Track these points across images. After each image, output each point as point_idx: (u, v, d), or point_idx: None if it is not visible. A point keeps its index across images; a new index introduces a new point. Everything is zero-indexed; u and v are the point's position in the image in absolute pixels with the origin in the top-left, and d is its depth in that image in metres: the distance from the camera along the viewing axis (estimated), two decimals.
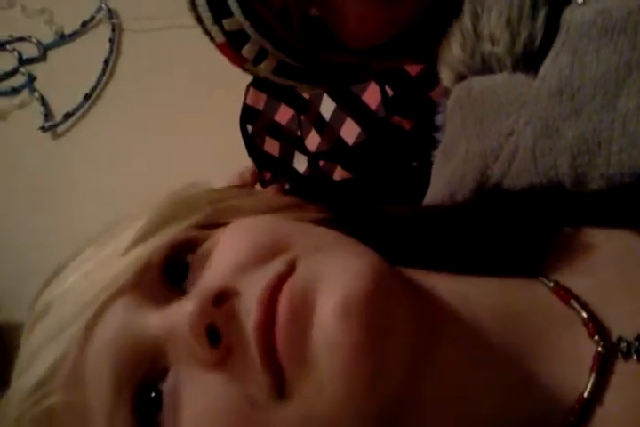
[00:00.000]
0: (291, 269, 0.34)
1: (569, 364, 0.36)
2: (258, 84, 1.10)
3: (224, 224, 0.40)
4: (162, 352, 0.35)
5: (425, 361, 0.35)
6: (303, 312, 0.32)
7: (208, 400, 0.33)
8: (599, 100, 0.38)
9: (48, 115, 1.55)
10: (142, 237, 0.38)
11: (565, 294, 0.38)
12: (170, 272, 0.37)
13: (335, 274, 0.33)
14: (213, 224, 0.40)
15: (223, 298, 0.34)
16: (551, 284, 0.39)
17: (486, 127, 0.44)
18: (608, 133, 0.37)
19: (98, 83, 1.51)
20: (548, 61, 0.42)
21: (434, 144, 0.55)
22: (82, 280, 0.38)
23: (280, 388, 0.32)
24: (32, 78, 1.57)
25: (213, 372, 0.33)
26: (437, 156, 0.51)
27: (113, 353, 0.35)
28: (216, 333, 0.33)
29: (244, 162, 1.11)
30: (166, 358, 0.35)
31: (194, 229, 0.39)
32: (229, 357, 0.33)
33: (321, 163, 1.03)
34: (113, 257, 0.38)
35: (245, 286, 0.34)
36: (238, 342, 0.33)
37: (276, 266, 0.34)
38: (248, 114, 1.11)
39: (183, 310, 0.33)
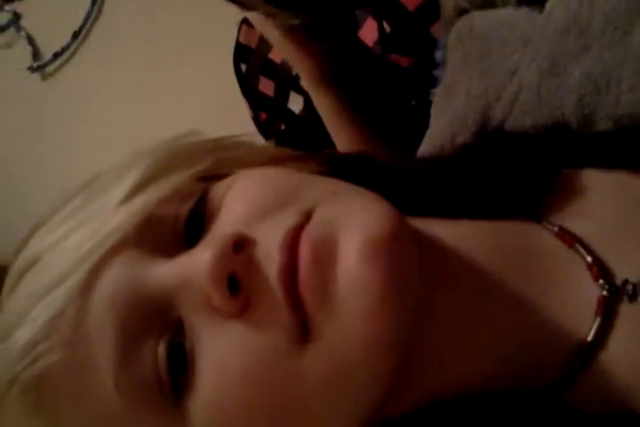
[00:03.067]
0: (309, 215, 0.33)
1: (573, 307, 0.36)
2: None
3: (225, 176, 0.38)
4: (171, 305, 0.33)
5: (428, 304, 0.35)
6: (326, 253, 0.31)
7: (230, 352, 0.32)
8: (609, 37, 0.36)
9: (36, 54, 1.51)
10: (141, 186, 0.36)
11: (570, 238, 0.37)
12: (185, 224, 0.36)
13: (357, 216, 0.33)
14: (214, 175, 0.38)
15: (241, 246, 0.32)
16: (555, 228, 0.38)
17: (489, 65, 0.42)
18: (618, 71, 0.36)
19: (86, 20, 1.46)
20: None
21: (433, 82, 0.53)
22: (76, 231, 0.36)
23: (304, 331, 0.31)
24: (17, 16, 1.52)
25: (233, 322, 0.32)
26: (437, 95, 0.49)
27: (118, 306, 0.33)
28: (235, 281, 0.32)
29: (239, 102, 1.08)
30: (176, 312, 0.33)
31: (195, 180, 0.37)
32: (249, 306, 0.32)
33: None
34: (110, 207, 0.36)
35: (262, 233, 0.33)
36: (259, 289, 0.32)
37: (294, 213, 0.33)
38: (241, 52, 1.08)
39: (201, 258, 0.32)
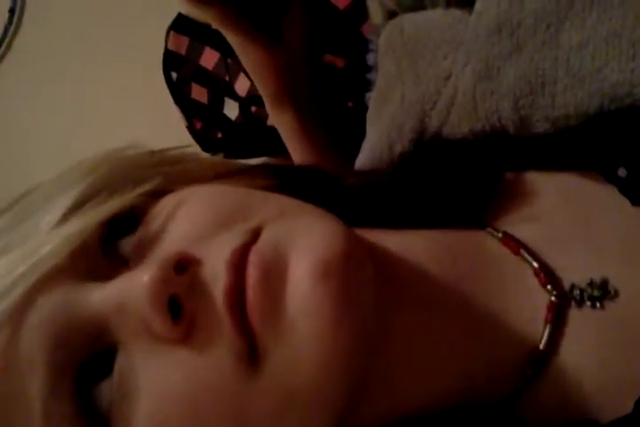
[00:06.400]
0: (257, 234, 0.31)
1: (524, 315, 0.35)
2: (178, 26, 1.04)
3: (168, 192, 0.36)
4: (107, 331, 0.31)
5: (382, 321, 0.34)
6: (275, 274, 0.29)
7: (173, 379, 0.30)
8: (541, 36, 0.35)
9: None
10: (79, 207, 0.33)
11: (515, 244, 0.37)
12: (113, 246, 0.33)
13: (306, 236, 0.31)
14: (158, 192, 0.36)
15: (184, 266, 0.30)
16: (500, 235, 0.37)
17: (422, 70, 0.41)
18: (552, 72, 0.35)
19: (5, 34, 1.41)
20: None
21: (367, 86, 0.52)
22: (6, 253, 0.33)
23: (252, 354, 0.30)
24: None
25: (175, 347, 0.30)
26: (372, 100, 0.48)
27: (51, 334, 0.31)
28: (176, 304, 0.30)
29: (172, 111, 1.06)
30: (112, 337, 0.31)
31: (137, 198, 0.35)
32: (193, 330, 0.30)
33: (253, 108, 0.99)
34: (44, 229, 0.33)
35: (208, 253, 0.31)
36: (204, 312, 0.30)
37: (242, 232, 0.31)
38: (171, 60, 1.05)
39: (139, 280, 0.29)
